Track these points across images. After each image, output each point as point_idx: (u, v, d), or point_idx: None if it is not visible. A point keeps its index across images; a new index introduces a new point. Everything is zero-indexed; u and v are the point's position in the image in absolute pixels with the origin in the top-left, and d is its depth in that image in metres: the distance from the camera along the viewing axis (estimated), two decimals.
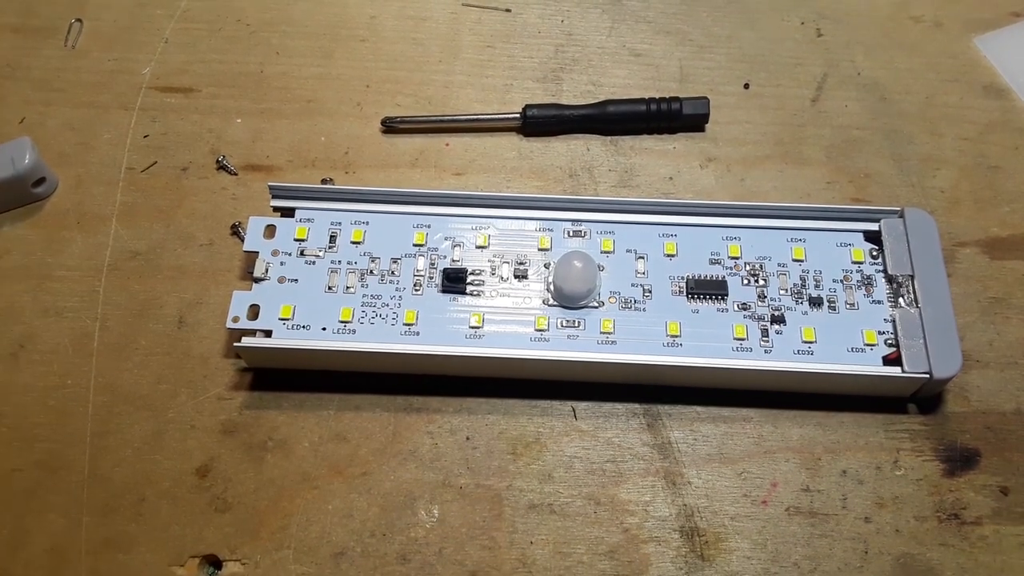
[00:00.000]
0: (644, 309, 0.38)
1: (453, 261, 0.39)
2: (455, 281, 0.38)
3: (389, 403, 0.38)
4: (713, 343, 0.37)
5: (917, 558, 0.35)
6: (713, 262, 0.39)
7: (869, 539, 0.35)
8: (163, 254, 0.42)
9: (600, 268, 0.39)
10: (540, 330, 0.37)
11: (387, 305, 0.38)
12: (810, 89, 0.47)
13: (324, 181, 0.43)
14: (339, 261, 0.39)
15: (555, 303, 0.38)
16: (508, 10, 0.50)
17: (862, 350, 0.37)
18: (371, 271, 0.39)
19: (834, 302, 0.38)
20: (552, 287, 0.38)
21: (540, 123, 0.45)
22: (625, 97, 0.45)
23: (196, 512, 0.36)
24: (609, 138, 0.46)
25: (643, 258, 0.39)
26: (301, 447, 0.37)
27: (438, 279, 0.38)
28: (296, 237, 0.39)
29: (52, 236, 0.42)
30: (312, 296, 0.38)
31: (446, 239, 0.39)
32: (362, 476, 0.36)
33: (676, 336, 0.37)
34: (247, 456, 0.37)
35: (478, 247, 0.39)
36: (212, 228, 0.42)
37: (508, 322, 0.37)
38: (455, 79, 0.48)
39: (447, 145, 0.45)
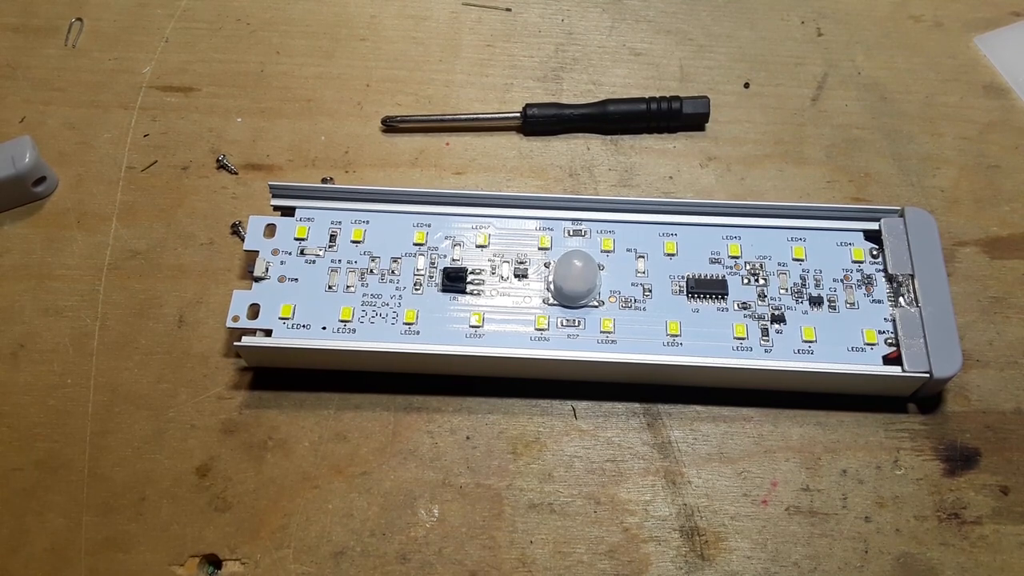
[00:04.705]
0: (644, 308, 0.38)
1: (453, 260, 0.39)
2: (455, 280, 0.38)
3: (389, 402, 0.38)
4: (713, 342, 0.37)
5: (917, 557, 0.35)
6: (713, 261, 0.39)
7: (869, 538, 0.35)
8: (163, 253, 0.42)
9: (600, 267, 0.39)
10: (540, 329, 0.37)
11: (387, 304, 0.38)
12: (810, 88, 0.47)
13: (324, 180, 0.43)
14: (339, 260, 0.39)
15: (555, 302, 0.38)
16: (508, 9, 0.50)
17: (862, 349, 0.37)
18: (371, 270, 0.39)
19: (834, 301, 0.38)
20: (552, 286, 0.38)
21: (540, 122, 0.45)
22: (625, 96, 0.45)
23: (196, 511, 0.36)
24: (609, 137, 0.46)
25: (643, 257, 0.39)
26: (301, 446, 0.37)
27: (438, 278, 0.38)
28: (296, 236, 0.39)
29: (52, 235, 0.42)
30: (312, 295, 0.38)
31: (446, 238, 0.39)
32: (362, 475, 0.36)
33: (676, 335, 0.37)
34: (247, 455, 0.37)
35: (478, 246, 0.39)
36: (212, 227, 0.42)
37: (508, 321, 0.37)
38: (455, 78, 0.48)
39: (447, 144, 0.45)
